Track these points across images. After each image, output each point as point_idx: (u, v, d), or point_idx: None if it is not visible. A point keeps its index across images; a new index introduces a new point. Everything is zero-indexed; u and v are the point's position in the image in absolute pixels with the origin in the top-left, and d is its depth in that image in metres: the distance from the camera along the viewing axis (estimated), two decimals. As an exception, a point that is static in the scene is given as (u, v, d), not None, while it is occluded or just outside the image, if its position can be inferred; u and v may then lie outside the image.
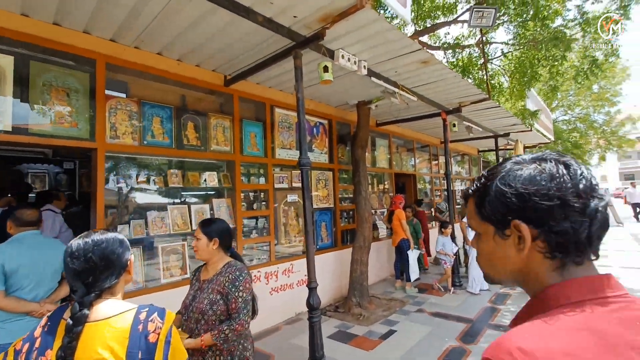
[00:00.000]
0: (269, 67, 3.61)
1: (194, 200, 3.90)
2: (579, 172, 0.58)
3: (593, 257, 0.59)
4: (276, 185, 4.68)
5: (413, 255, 5.43)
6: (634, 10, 5.27)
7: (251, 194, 4.44)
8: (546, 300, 0.57)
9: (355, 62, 3.52)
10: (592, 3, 5.84)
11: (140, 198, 3.49)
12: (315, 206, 5.25)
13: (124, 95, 3.36)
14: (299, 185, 5.05)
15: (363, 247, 5.04)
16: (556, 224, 0.55)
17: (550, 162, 0.59)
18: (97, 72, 3.09)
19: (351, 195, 5.92)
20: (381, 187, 7.09)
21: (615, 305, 0.52)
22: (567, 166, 0.58)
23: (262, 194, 4.55)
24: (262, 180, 4.54)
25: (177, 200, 3.77)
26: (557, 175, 0.57)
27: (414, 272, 5.39)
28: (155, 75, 3.52)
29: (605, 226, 0.57)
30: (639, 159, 42.92)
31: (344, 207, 5.83)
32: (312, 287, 2.95)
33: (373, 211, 6.63)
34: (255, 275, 4.14)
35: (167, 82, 3.69)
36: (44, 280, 2.31)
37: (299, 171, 5.14)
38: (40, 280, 2.29)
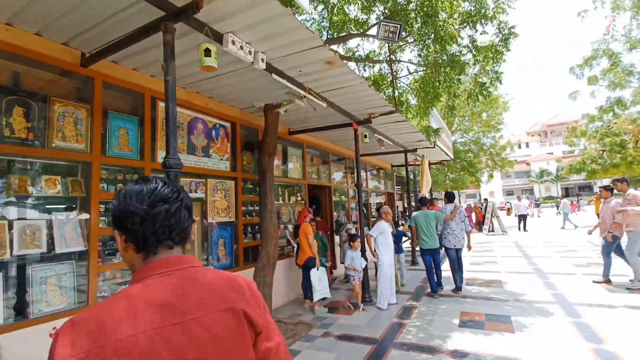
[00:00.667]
0: (143, 47, 2.87)
1: (20, 214, 2.81)
2: (152, 187, 0.79)
3: (173, 245, 0.79)
4: (157, 196, 3.81)
5: (316, 274, 5.05)
6: (513, 43, 5.89)
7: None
8: (130, 282, 0.77)
9: (250, 52, 3.01)
10: (481, 34, 6.52)
11: None
12: (210, 220, 4.49)
13: None
14: (191, 195, 4.27)
15: (267, 267, 4.45)
16: (129, 228, 0.77)
17: (138, 182, 0.81)
18: None
19: (258, 208, 5.32)
20: (293, 198, 6.65)
21: (164, 276, 0.74)
22: (147, 183, 0.80)
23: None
24: (136, 188, 3.63)
25: (-13, 215, 2.65)
26: (129, 192, 0.78)
27: (318, 291, 4.99)
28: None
29: (168, 223, 0.78)
30: (516, 178, 52.00)
31: (249, 220, 5.18)
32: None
33: (283, 225, 6.12)
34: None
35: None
36: None
37: (191, 179, 4.40)
38: None
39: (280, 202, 6.23)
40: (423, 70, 6.89)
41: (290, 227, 6.27)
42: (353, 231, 6.95)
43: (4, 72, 2.84)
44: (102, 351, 0.61)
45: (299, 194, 6.82)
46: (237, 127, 5.10)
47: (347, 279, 6.91)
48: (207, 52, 2.54)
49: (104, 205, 3.30)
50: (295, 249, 5.82)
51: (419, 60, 6.58)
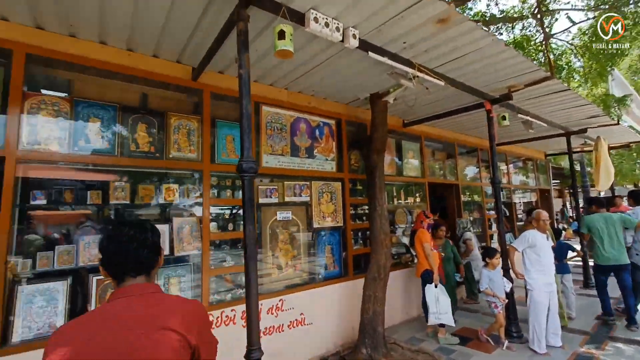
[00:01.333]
0: (231, 49, 2.78)
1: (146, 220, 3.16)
2: (120, 232, 1.08)
3: (136, 275, 1.06)
4: (261, 200, 3.78)
5: (432, 292, 4.08)
6: None
7: (227, 212, 3.60)
8: (108, 299, 1.02)
9: (338, 29, 2.52)
10: None
11: (67, 219, 2.84)
12: (317, 225, 4.22)
13: (52, 93, 2.77)
14: (295, 199, 4.12)
15: (377, 280, 3.86)
16: (105, 262, 1.05)
17: (112, 228, 1.10)
18: (13, 65, 2.54)
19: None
20: (411, 200, 5.80)
21: (123, 298, 0.99)
22: (118, 229, 1.09)
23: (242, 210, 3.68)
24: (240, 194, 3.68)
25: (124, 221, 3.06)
26: (105, 236, 1.08)
27: (432, 314, 4.03)
28: (97, 68, 2.90)
29: (131, 260, 1.05)
30: None
31: (359, 225, 4.71)
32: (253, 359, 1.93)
33: (401, 230, 5.38)
34: (227, 316, 3.24)
35: (115, 76, 3.06)
36: None
37: (295, 182, 4.23)
38: None
39: (395, 203, 5.52)
40: (594, 17, 4.91)
41: (399, 231, 5.47)
42: (473, 240, 5.56)
43: (131, 93, 3.26)
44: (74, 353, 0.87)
45: (417, 195, 5.92)
46: (342, 124, 4.71)
47: (472, 298, 5.58)
48: (281, 35, 2.18)
49: (214, 211, 3.44)
50: (415, 258, 5.00)
51: (587, 4, 4.68)
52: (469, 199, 7.10)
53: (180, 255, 3.17)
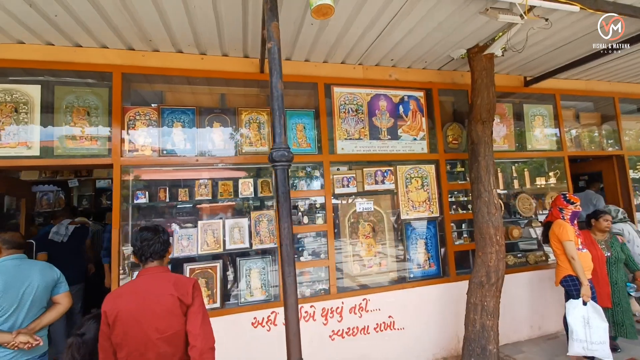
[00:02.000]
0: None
1: (227, 214, 3.30)
2: (143, 233, 1.72)
3: (153, 260, 1.70)
4: (337, 190, 3.48)
5: (578, 310, 2.89)
6: None
7: (300, 203, 3.45)
8: (137, 276, 1.71)
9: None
10: None
11: (161, 214, 3.19)
12: (405, 216, 3.65)
13: (151, 105, 3.14)
14: (377, 187, 3.64)
15: (485, 285, 3.05)
16: (135, 252, 1.72)
17: (141, 230, 1.74)
18: (113, 85, 2.98)
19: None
20: (541, 180, 4.44)
21: (145, 275, 1.66)
22: (143, 231, 1.73)
23: (317, 202, 3.47)
24: (316, 184, 3.47)
25: (205, 216, 3.27)
26: (135, 234, 1.74)
27: (575, 340, 2.86)
28: (177, 76, 3.16)
29: (149, 251, 1.70)
30: None
31: (461, 216, 3.86)
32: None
33: (526, 221, 4.21)
34: (306, 311, 3.12)
35: (194, 81, 3.28)
36: (22, 307, 2.19)
37: (377, 168, 3.70)
38: (18, 308, 2.18)
39: (517, 187, 4.32)
40: None
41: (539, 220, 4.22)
42: (626, 234, 3.77)
43: (210, 95, 3.44)
44: (113, 311, 1.53)
45: (551, 174, 4.50)
46: (433, 95, 3.92)
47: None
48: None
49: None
50: (550, 258, 3.80)
51: None
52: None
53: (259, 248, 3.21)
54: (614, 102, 4.80)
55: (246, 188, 3.28)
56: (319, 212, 3.41)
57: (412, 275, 3.59)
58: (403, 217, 3.64)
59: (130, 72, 3.03)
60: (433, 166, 3.82)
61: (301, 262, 3.28)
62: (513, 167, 4.45)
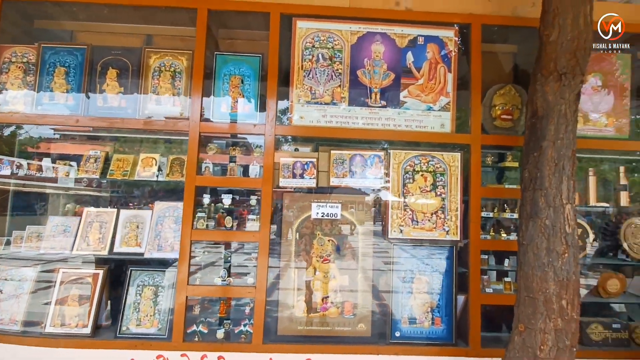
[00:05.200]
0: None
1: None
2: None
3: None
4: (282, 182, 2.20)
5: None
6: None
7: (226, 197, 2.26)
8: None
9: None
10: None
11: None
12: (395, 235, 2.20)
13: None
14: (350, 181, 2.24)
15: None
16: None
17: None
18: None
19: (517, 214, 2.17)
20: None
21: None
22: None
23: (252, 198, 2.25)
24: (253, 170, 2.25)
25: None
26: None
27: None
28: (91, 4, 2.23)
29: None
30: None
31: (498, 243, 2.24)
32: None
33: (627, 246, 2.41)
34: (208, 366, 1.98)
35: (115, 16, 2.32)
36: None
37: (356, 152, 2.19)
38: None
39: (626, 205, 2.47)
40: None
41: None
42: None
43: (134, 37, 2.45)
44: None
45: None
46: (473, 36, 2.31)
47: None
48: None
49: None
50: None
51: None
52: None
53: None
54: None
55: (147, 167, 2.23)
56: (251, 213, 2.19)
57: (398, 334, 2.15)
58: (393, 234, 2.19)
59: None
60: (458, 155, 2.25)
61: (210, 286, 2.13)
62: (621, 170, 2.60)
